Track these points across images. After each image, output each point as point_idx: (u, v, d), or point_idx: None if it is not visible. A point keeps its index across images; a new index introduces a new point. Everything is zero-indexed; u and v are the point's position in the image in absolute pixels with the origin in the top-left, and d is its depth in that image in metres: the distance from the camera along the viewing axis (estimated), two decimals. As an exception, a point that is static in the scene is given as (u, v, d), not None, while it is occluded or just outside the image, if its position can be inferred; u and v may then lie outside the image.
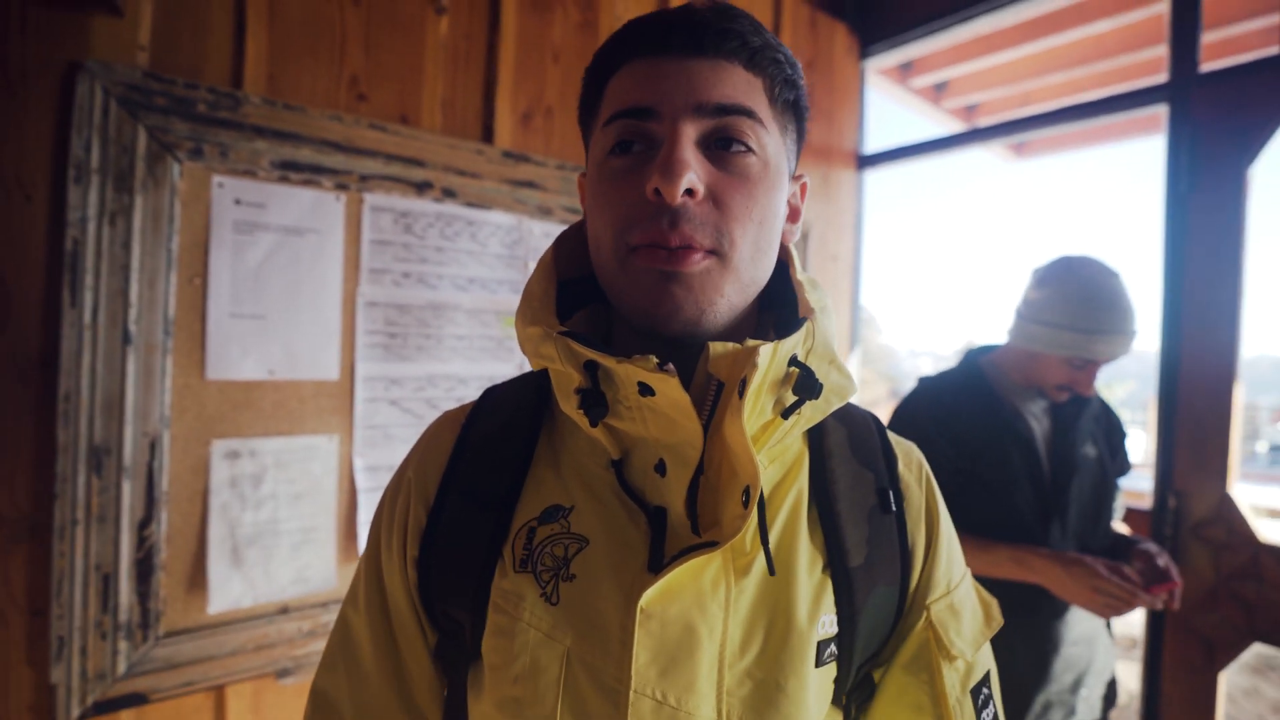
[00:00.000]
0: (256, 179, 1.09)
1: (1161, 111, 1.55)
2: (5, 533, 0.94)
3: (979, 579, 1.15)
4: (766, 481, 0.50)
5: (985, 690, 0.53)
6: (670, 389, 0.43)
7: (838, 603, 0.48)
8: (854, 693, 0.52)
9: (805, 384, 0.46)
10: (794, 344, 0.45)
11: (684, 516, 0.46)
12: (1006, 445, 1.20)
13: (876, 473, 0.53)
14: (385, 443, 1.23)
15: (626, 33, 0.47)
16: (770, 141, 0.47)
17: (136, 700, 1.02)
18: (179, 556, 1.06)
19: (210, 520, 1.07)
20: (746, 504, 0.43)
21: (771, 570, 0.46)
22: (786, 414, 0.46)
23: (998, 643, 1.15)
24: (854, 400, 0.56)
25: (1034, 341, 1.18)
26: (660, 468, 0.47)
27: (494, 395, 0.58)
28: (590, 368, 0.45)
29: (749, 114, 0.45)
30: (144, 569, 1.02)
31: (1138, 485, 1.91)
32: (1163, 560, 1.12)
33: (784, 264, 0.53)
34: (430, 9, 1.27)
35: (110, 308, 0.97)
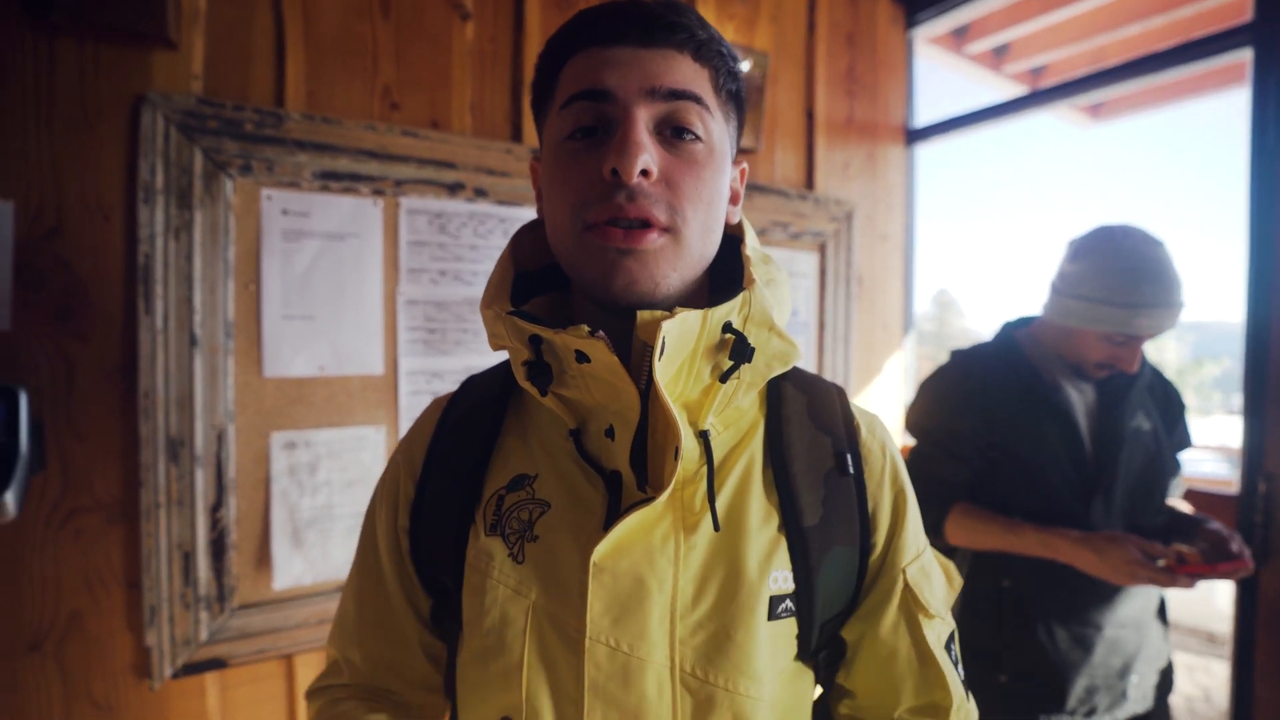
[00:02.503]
0: (300, 190, 1.18)
1: (1246, 57, 1.40)
2: (104, 515, 1.07)
3: (1006, 556, 1.11)
4: (721, 445, 0.54)
5: (954, 648, 0.57)
6: (599, 352, 0.46)
7: (793, 560, 0.51)
8: (822, 651, 0.55)
9: (738, 349, 0.49)
10: (726, 311, 0.48)
11: (631, 476, 0.50)
12: (1042, 419, 1.14)
13: (835, 437, 0.56)
14: (428, 432, 1.31)
15: (580, 22, 0.50)
16: (715, 128, 0.50)
17: (218, 664, 1.14)
18: (247, 537, 1.17)
19: (272, 505, 1.18)
20: (677, 460, 0.47)
21: (716, 527, 0.50)
22: (724, 377, 0.50)
23: (1035, 624, 1.11)
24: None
25: (1070, 317, 1.11)
26: (610, 433, 0.51)
27: (471, 380, 0.64)
28: (535, 341, 0.49)
29: (697, 100, 0.48)
30: (218, 548, 1.13)
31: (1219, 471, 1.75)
32: (1236, 544, 1.04)
33: (738, 239, 0.56)
34: (455, 16, 1.33)
35: (178, 314, 1.08)
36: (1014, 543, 1.11)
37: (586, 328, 0.46)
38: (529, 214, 1.39)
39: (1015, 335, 1.25)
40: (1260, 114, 1.35)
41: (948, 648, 0.56)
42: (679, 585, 0.49)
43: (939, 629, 0.55)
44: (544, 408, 0.55)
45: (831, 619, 0.54)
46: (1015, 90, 2.44)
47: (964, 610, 1.22)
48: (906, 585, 0.54)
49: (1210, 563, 1.03)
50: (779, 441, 0.54)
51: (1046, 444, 1.13)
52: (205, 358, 1.11)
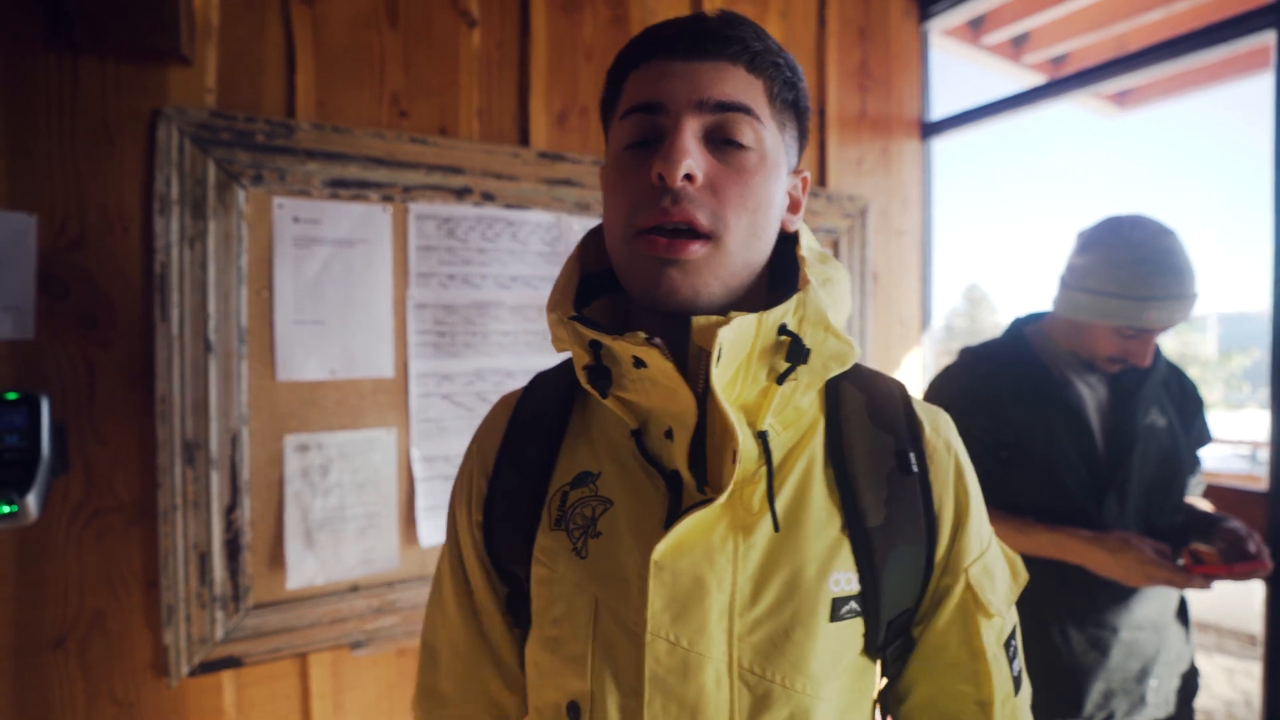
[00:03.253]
0: (311, 198, 1.20)
1: (1270, 40, 1.35)
2: (124, 516, 1.11)
3: (1023, 557, 1.08)
4: (780, 445, 0.54)
5: (1013, 643, 0.57)
6: (655, 359, 0.48)
7: (857, 561, 0.52)
8: (889, 647, 0.55)
9: (794, 351, 0.50)
10: (781, 314, 0.49)
11: (691, 478, 0.51)
12: (1052, 417, 1.11)
13: (896, 436, 0.55)
14: (439, 434, 1.32)
15: (643, 36, 0.53)
16: (768, 137, 0.51)
17: (233, 663, 1.16)
18: (261, 538, 1.19)
19: (286, 506, 1.20)
20: (736, 462, 0.49)
21: (776, 527, 0.51)
22: (781, 379, 0.51)
23: (1049, 627, 1.07)
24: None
25: (1080, 311, 1.08)
26: (669, 434, 0.52)
27: (539, 378, 0.66)
28: (595, 346, 0.51)
29: (747, 111, 0.50)
30: (233, 549, 1.16)
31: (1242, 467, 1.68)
32: (1253, 544, 1.00)
33: (794, 240, 0.57)
34: (462, 23, 1.34)
35: (193, 320, 1.12)
36: (1025, 543, 1.08)
37: (643, 334, 0.48)
38: (536, 217, 1.40)
39: (1025, 331, 1.22)
40: (1288, 96, 1.30)
41: (1007, 644, 0.56)
42: (737, 584, 0.50)
43: (998, 627, 0.55)
44: (607, 407, 0.56)
45: (898, 616, 0.55)
46: (1036, 81, 2.39)
47: None
48: (968, 585, 0.54)
49: (1227, 563, 0.99)
50: (839, 441, 0.55)
51: (1057, 442, 1.10)
52: (220, 363, 1.14)
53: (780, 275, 0.56)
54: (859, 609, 0.51)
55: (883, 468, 0.54)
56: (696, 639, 0.49)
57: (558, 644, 0.54)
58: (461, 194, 1.32)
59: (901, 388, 0.59)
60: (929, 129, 2.02)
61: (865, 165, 1.89)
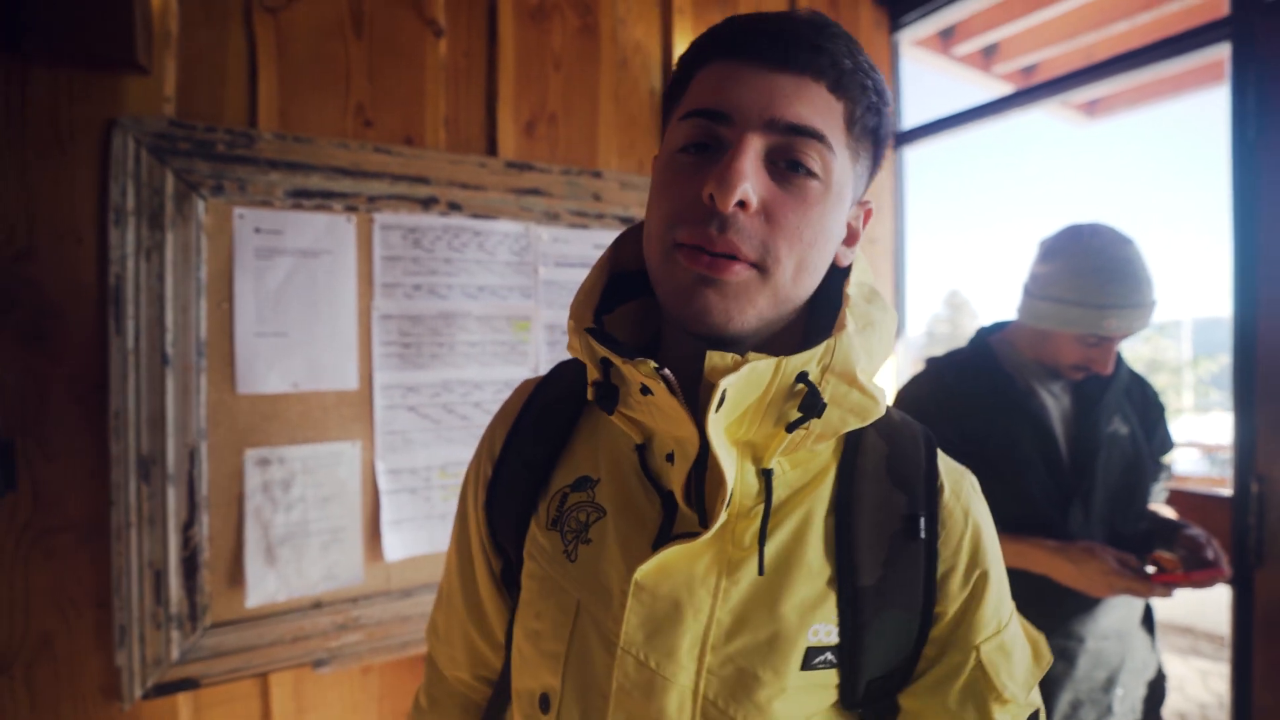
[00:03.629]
0: (273, 208, 1.18)
1: (1225, 52, 1.38)
2: (74, 534, 1.08)
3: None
4: (785, 485, 0.52)
5: None
6: (661, 392, 0.46)
7: (840, 616, 0.50)
8: (870, 707, 0.53)
9: (809, 403, 0.47)
10: (803, 362, 0.45)
11: (685, 506, 0.50)
12: (1016, 426, 1.11)
13: (911, 496, 0.52)
14: (405, 447, 1.30)
15: (723, 29, 0.48)
16: (837, 166, 0.47)
17: (190, 684, 1.13)
18: (220, 555, 1.16)
19: (246, 522, 1.17)
20: (729, 504, 0.47)
21: (760, 570, 0.49)
22: (791, 428, 0.47)
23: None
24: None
25: (1043, 319, 1.09)
26: (671, 458, 0.51)
27: (560, 369, 0.65)
28: (605, 363, 0.49)
29: (819, 138, 0.45)
30: (190, 566, 1.13)
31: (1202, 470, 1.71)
32: (1211, 551, 1.01)
33: (844, 273, 0.53)
34: (429, 33, 1.34)
35: (150, 333, 1.09)
36: None
37: (652, 364, 0.45)
38: (505, 227, 1.39)
39: (989, 341, 1.23)
40: (1239, 108, 1.33)
41: None
42: (715, 616, 0.49)
43: (1015, 714, 0.51)
44: None
45: (882, 677, 0.52)
46: (1006, 90, 2.42)
47: None
48: (979, 663, 0.50)
49: (1187, 570, 1.00)
50: (848, 492, 0.52)
51: (1021, 451, 1.11)
52: (177, 376, 1.11)
53: (825, 306, 0.53)
54: (834, 660, 0.50)
55: (888, 527, 0.51)
56: (665, 662, 0.49)
57: (539, 638, 0.55)
58: (428, 204, 1.31)
59: (929, 441, 0.56)
60: (900, 138, 2.04)
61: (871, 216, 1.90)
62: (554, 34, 1.48)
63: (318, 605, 1.23)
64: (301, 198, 1.20)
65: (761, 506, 0.49)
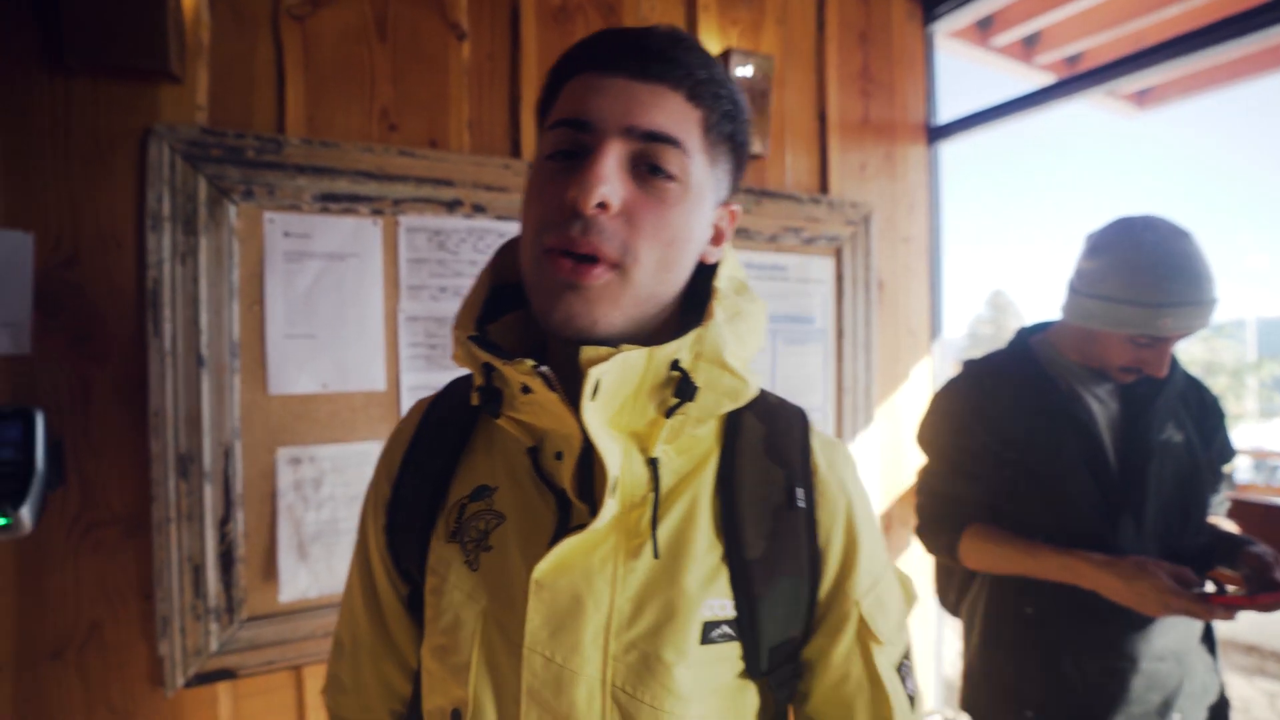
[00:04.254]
0: (301, 212, 1.21)
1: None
2: (120, 528, 1.12)
3: (1029, 580, 1.04)
4: (672, 472, 0.55)
5: (907, 663, 0.58)
6: (540, 389, 0.48)
7: (734, 589, 0.52)
8: (777, 672, 0.56)
9: (683, 388, 0.50)
10: (674, 350, 0.49)
11: (577, 501, 0.52)
12: (1061, 432, 1.06)
13: (789, 471, 0.56)
14: (431, 447, 1.32)
15: (585, 44, 0.51)
16: (695, 170, 0.50)
17: (227, 674, 1.17)
18: (255, 551, 1.20)
19: (279, 519, 1.21)
20: (614, 493, 0.49)
21: (655, 554, 0.52)
22: (669, 413, 0.51)
23: (1060, 655, 1.03)
24: None
25: (1091, 318, 1.03)
26: (560, 456, 0.53)
27: (453, 385, 0.65)
28: (487, 368, 0.51)
29: (675, 144, 0.48)
30: (226, 561, 1.17)
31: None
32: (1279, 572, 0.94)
33: (711, 270, 0.56)
34: (452, 36, 1.35)
35: (186, 335, 1.13)
36: (1033, 566, 1.03)
37: (531, 362, 0.48)
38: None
39: (1030, 342, 1.17)
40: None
41: (900, 667, 0.57)
42: (615, 605, 0.51)
43: (890, 653, 0.57)
44: None
45: (782, 644, 0.55)
46: (1048, 82, 2.33)
47: (984, 639, 1.15)
48: (861, 618, 0.55)
49: (1251, 593, 0.93)
50: (730, 473, 0.55)
51: (1066, 459, 1.05)
52: (212, 377, 1.15)
53: (698, 302, 0.55)
54: (733, 633, 0.52)
55: (770, 501, 0.54)
56: (570, 656, 0.51)
57: (445, 653, 0.55)
58: (452, 206, 1.32)
59: (803, 420, 0.59)
60: (935, 133, 1.98)
61: (869, 171, 1.85)
62: (577, 34, 1.47)
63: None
64: (329, 201, 1.23)
65: (651, 495, 0.52)
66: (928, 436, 1.21)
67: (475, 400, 0.53)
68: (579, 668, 0.51)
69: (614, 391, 0.48)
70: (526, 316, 0.59)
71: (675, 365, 0.49)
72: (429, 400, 0.65)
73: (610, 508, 0.49)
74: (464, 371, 0.63)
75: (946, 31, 2.03)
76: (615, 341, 0.49)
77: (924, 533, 1.20)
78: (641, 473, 0.52)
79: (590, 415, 0.47)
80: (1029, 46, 2.26)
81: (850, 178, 1.82)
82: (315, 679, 1.25)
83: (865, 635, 0.55)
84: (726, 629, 0.52)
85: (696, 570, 0.52)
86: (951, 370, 1.99)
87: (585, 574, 0.51)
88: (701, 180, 0.51)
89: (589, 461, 0.51)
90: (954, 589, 1.29)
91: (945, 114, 2.01)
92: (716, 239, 0.56)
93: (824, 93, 1.78)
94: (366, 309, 1.27)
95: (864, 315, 1.82)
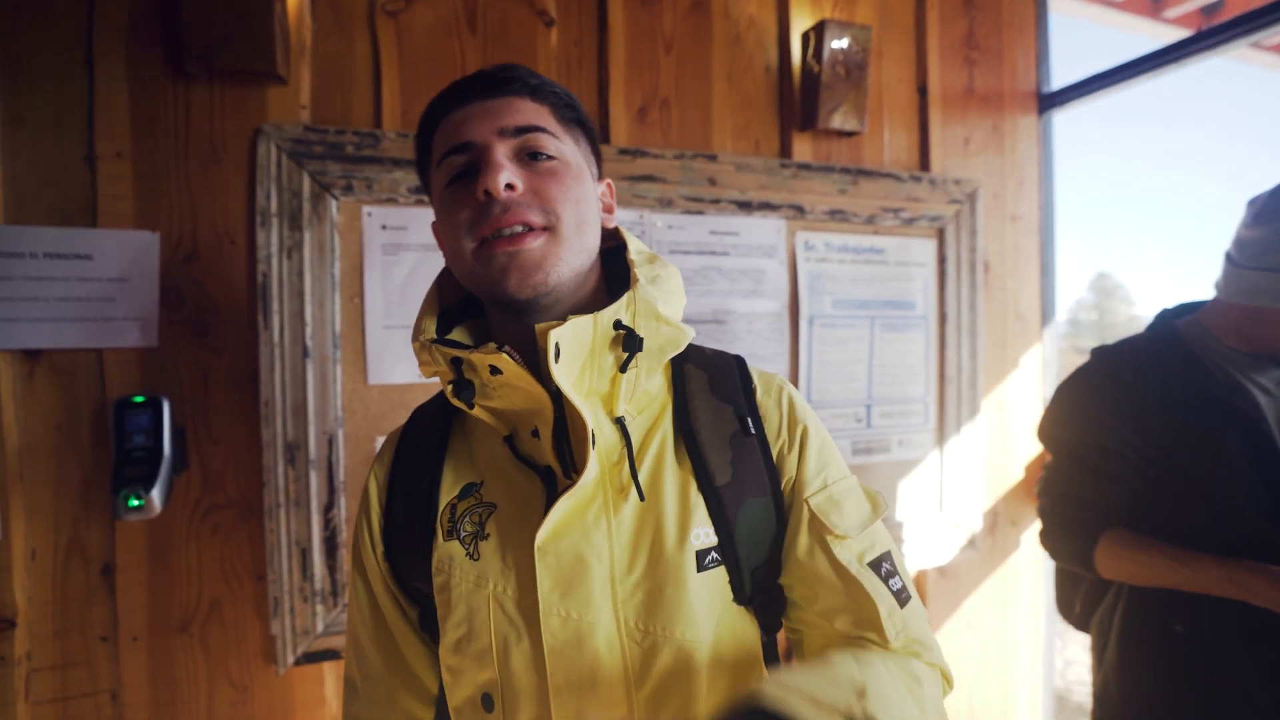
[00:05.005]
0: (397, 205, 1.23)
1: None
2: (235, 511, 1.18)
3: (1178, 594, 0.92)
4: (637, 429, 0.61)
5: (887, 565, 0.60)
6: (508, 365, 0.54)
7: (712, 516, 0.58)
8: (759, 597, 0.61)
9: (629, 341, 0.57)
10: (614, 311, 0.55)
11: (559, 468, 0.57)
12: (1219, 428, 0.93)
13: (735, 405, 0.63)
14: (521, 437, 1.32)
15: (440, 96, 0.61)
16: (566, 149, 0.60)
17: (332, 655, 1.21)
18: (356, 536, 1.23)
19: (378, 506, 1.24)
20: (594, 444, 0.55)
21: (641, 497, 0.58)
22: (624, 367, 0.57)
23: (1219, 681, 0.91)
24: None
25: (1259, 295, 0.91)
26: (536, 433, 0.59)
27: (419, 410, 0.72)
28: (456, 363, 0.57)
29: (541, 129, 0.58)
30: (330, 546, 1.21)
31: None
32: None
33: (624, 247, 0.63)
34: (540, 23, 1.34)
35: (292, 327, 1.17)
36: (1188, 577, 0.92)
37: (494, 344, 0.54)
38: (618, 215, 1.36)
39: (1175, 326, 1.04)
40: None
41: (876, 564, 0.59)
42: (614, 554, 0.56)
43: (852, 546, 0.59)
44: (481, 421, 0.63)
45: (760, 566, 0.60)
46: (1180, 36, 2.09)
47: (1122, 659, 1.04)
48: (811, 514, 0.60)
49: None
50: (685, 416, 0.61)
51: (1227, 459, 0.93)
52: (316, 367, 1.19)
53: (618, 282, 0.63)
54: (719, 558, 0.58)
55: (726, 432, 0.61)
56: (585, 610, 0.55)
57: (465, 642, 0.59)
58: (541, 195, 1.31)
59: (740, 362, 0.66)
60: (1047, 101, 1.81)
61: (973, 145, 1.72)
62: (664, 16, 1.43)
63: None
64: (424, 194, 1.24)
65: (625, 450, 0.58)
66: (1054, 432, 1.10)
67: (450, 395, 0.58)
68: (595, 618, 0.55)
69: (572, 354, 0.54)
70: (473, 327, 0.67)
71: (618, 324, 0.56)
72: (399, 431, 0.71)
73: (594, 461, 0.55)
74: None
75: (1061, -11, 1.85)
76: (563, 313, 0.56)
77: (1051, 538, 1.09)
78: (612, 432, 0.59)
79: (559, 375, 0.53)
80: (1157, 0, 2.03)
81: (954, 153, 1.69)
82: (413, 663, 1.28)
83: (819, 528, 0.59)
84: (714, 555, 0.58)
85: (676, 506, 0.58)
86: (1060, 358, 1.82)
87: (583, 532, 0.56)
88: (574, 156, 0.60)
89: (564, 431, 0.56)
90: (1081, 600, 1.17)
91: (1058, 80, 1.84)
92: (608, 210, 0.66)
93: (924, 63, 1.66)
94: (459, 300, 1.28)
95: (969, 300, 1.69)
